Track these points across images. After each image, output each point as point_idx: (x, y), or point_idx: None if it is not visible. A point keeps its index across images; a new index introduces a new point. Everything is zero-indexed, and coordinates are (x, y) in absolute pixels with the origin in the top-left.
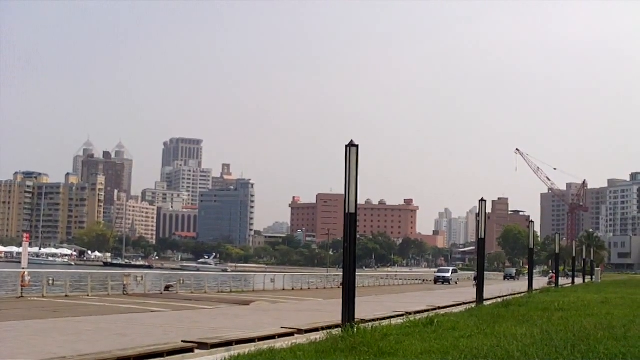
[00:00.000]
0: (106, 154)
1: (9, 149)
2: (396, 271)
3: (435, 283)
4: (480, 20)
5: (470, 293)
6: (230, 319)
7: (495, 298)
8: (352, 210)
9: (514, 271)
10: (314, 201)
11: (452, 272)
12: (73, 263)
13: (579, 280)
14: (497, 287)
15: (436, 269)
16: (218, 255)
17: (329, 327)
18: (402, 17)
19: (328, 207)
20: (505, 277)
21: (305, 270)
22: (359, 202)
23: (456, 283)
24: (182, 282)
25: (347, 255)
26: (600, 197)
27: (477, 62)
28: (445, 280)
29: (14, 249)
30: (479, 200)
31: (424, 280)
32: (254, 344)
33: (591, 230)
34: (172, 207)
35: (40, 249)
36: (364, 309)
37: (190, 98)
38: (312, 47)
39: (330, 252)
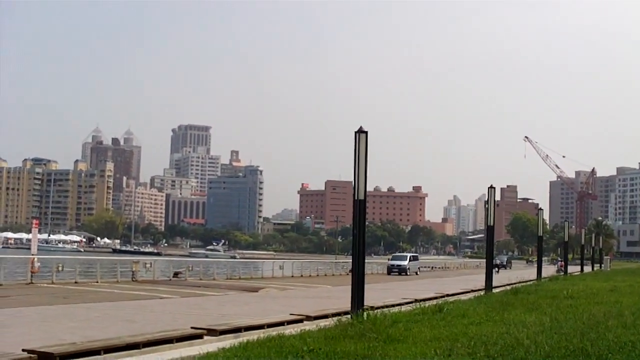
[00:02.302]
0: (115, 141)
1: (18, 136)
2: None
3: (389, 273)
4: (490, 7)
5: (466, 282)
6: (239, 306)
7: (504, 286)
8: (362, 197)
9: (505, 259)
10: (323, 188)
11: (409, 260)
12: (82, 249)
13: (587, 269)
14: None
15: (390, 256)
16: (227, 242)
17: (338, 314)
18: (412, 3)
19: (337, 193)
20: (494, 266)
21: (313, 257)
22: (367, 189)
23: (416, 273)
24: (190, 269)
25: (357, 242)
26: (609, 185)
27: (487, 49)
28: (402, 270)
29: (24, 236)
30: (488, 188)
31: (432, 267)
32: (263, 330)
33: (600, 218)
34: (180, 193)
35: (49, 236)
36: (372, 296)
37: (199, 85)
38: (321, 34)
39: (339, 239)
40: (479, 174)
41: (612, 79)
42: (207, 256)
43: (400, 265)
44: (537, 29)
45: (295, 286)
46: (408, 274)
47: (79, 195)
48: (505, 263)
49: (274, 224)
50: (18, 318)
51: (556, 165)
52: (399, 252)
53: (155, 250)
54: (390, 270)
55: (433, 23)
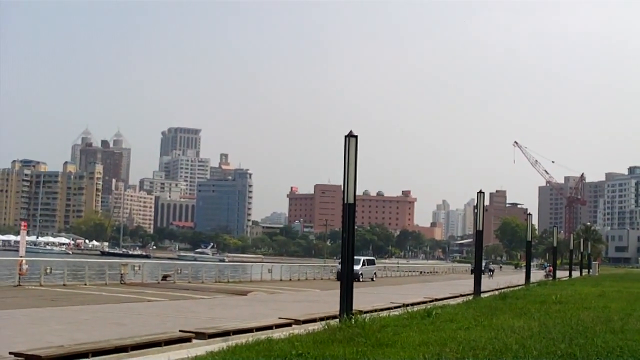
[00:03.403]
0: (104, 143)
1: (7, 137)
2: (397, 262)
3: (338, 279)
4: (480, 13)
5: (454, 286)
6: (228, 309)
7: (493, 290)
8: (351, 201)
9: (484, 264)
10: (312, 192)
11: (363, 264)
12: (70, 252)
13: (576, 274)
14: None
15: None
16: (215, 245)
17: (327, 318)
18: (403, 9)
19: (326, 197)
20: (472, 271)
21: (302, 261)
22: (357, 193)
23: (372, 279)
24: (179, 271)
25: (346, 246)
26: (598, 191)
27: (477, 54)
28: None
29: (12, 238)
30: (477, 193)
31: (421, 272)
32: (251, 334)
33: (589, 223)
34: (169, 196)
35: (37, 238)
36: (361, 300)
37: (189, 88)
38: (310, 38)
39: (328, 243)
40: (468, 179)
41: (603, 85)
42: (195, 259)
43: None
44: (528, 34)
45: (284, 290)
46: (361, 280)
47: (68, 197)
48: (484, 268)
49: (263, 227)
50: (5, 320)
51: (545, 171)
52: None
53: (144, 253)
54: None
55: (423, 28)
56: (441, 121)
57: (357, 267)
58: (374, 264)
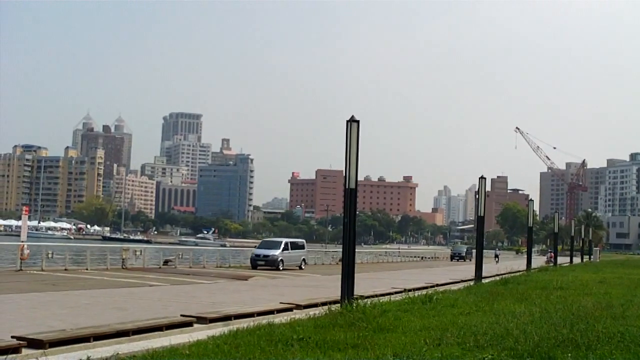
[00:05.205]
0: (106, 128)
1: (9, 122)
2: (399, 248)
3: (254, 267)
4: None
5: (455, 272)
6: (229, 294)
7: (494, 276)
8: (352, 186)
9: (465, 249)
10: (314, 177)
11: (285, 248)
12: (72, 237)
13: (577, 260)
14: (437, 271)
15: (258, 243)
16: (216, 230)
17: (328, 303)
18: None
19: (327, 183)
20: (452, 257)
21: None
22: (358, 179)
23: (300, 267)
24: (180, 256)
25: (347, 231)
26: (600, 177)
27: (479, 41)
28: (270, 263)
29: (13, 222)
30: (479, 178)
31: (422, 257)
32: (252, 318)
33: (590, 210)
34: (171, 181)
35: (39, 223)
36: (362, 285)
37: (190, 73)
38: (313, 24)
39: (329, 228)
40: (469, 165)
41: (605, 72)
42: (197, 244)
43: (268, 256)
44: (530, 21)
45: (285, 275)
46: (281, 268)
47: (69, 182)
48: (464, 254)
49: (264, 212)
50: (7, 305)
51: (547, 157)
52: (270, 239)
53: (145, 238)
54: (255, 262)
55: (427, 14)
56: (443, 107)
57: (275, 252)
58: (302, 248)
